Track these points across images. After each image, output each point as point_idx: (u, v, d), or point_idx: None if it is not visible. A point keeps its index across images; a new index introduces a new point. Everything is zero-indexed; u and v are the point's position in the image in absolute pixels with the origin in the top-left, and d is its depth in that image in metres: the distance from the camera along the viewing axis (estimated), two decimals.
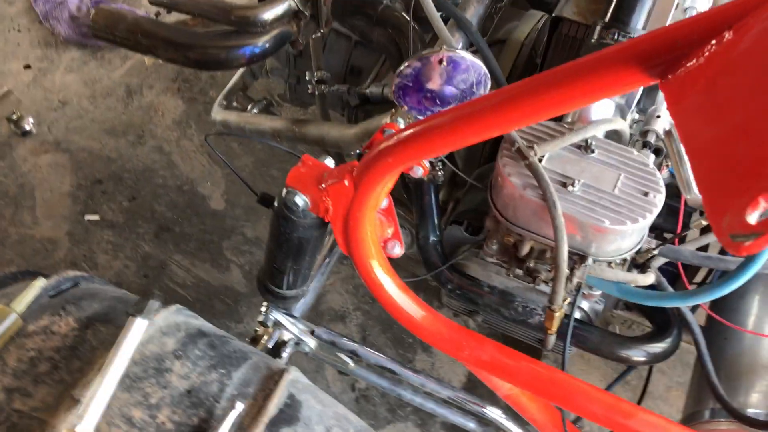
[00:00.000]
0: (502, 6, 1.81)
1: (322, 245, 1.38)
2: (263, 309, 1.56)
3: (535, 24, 1.71)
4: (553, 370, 1.21)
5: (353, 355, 1.56)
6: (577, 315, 1.53)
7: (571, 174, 1.12)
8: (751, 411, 1.32)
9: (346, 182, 1.07)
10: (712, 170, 0.61)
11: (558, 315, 1.21)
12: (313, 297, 1.68)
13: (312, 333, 1.56)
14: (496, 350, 1.21)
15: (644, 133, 1.22)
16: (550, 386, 1.19)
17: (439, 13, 1.32)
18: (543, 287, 1.39)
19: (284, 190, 1.13)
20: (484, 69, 1.09)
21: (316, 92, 1.76)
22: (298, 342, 1.59)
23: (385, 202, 1.25)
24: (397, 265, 1.21)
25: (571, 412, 1.29)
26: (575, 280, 1.19)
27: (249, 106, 2.04)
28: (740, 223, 0.52)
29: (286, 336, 1.58)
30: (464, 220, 1.54)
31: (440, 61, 1.06)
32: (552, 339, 1.30)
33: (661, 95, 1.28)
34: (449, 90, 1.09)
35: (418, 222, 1.52)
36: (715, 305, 1.54)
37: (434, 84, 1.08)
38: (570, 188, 1.11)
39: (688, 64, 0.73)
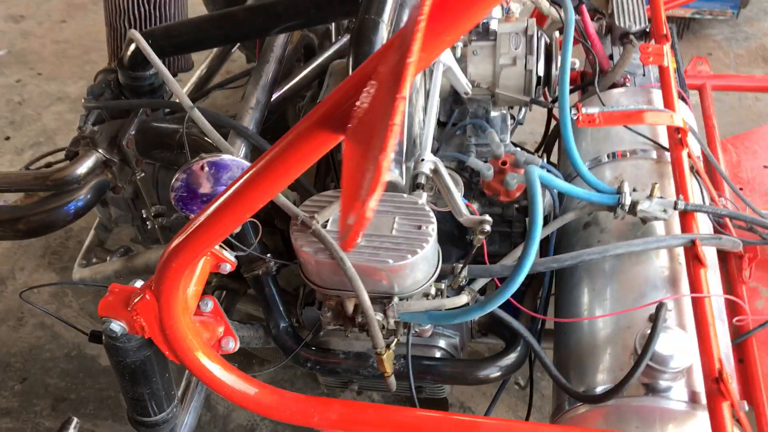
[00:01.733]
0: None
1: (165, 362, 1.43)
2: None
3: None
4: (399, 410, 1.30)
5: None
6: (438, 354, 1.63)
7: None
8: (599, 388, 1.42)
9: (147, 296, 1.16)
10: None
11: (386, 357, 1.30)
12: (195, 417, 1.71)
13: None
14: (342, 407, 1.29)
15: (415, 177, 1.36)
16: (400, 426, 1.27)
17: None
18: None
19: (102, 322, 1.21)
20: (245, 162, 1.22)
21: (157, 226, 1.86)
22: None
23: (210, 304, 1.35)
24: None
25: None
26: (391, 321, 1.29)
27: (108, 258, 2.12)
28: (344, 225, 0.64)
29: None
30: (314, 300, 1.64)
31: (202, 168, 1.19)
32: (392, 381, 1.38)
33: (424, 142, 1.43)
34: (222, 189, 1.21)
35: (266, 315, 1.61)
36: (557, 308, 1.67)
37: (205, 188, 1.20)
38: None
39: (354, 115, 0.86)
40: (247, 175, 0.99)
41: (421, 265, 1.25)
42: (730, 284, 1.97)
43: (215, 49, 2.17)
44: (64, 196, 1.65)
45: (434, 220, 1.26)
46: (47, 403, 2.33)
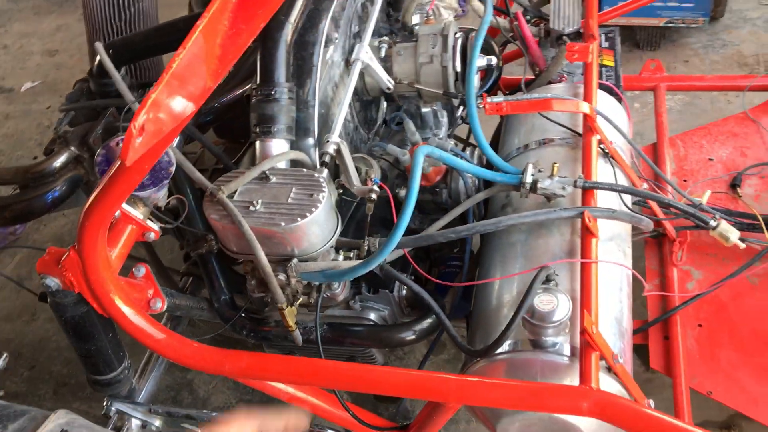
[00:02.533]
0: None
1: (108, 322, 1.62)
2: (105, 403, 1.79)
3: None
4: (302, 360, 1.46)
5: (189, 418, 1.78)
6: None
7: (254, 198, 1.43)
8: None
9: (71, 253, 1.36)
10: None
11: (287, 312, 1.47)
12: (154, 384, 1.90)
13: (150, 411, 1.78)
14: (250, 357, 1.46)
15: (321, 155, 1.54)
16: (301, 372, 1.44)
17: None
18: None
19: None
20: None
21: None
22: (144, 425, 1.80)
23: (142, 270, 1.55)
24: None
25: (326, 387, 1.52)
26: (292, 280, 1.46)
27: None
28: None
29: (134, 423, 1.80)
30: None
31: (117, 144, 1.40)
32: (297, 335, 1.54)
33: (333, 127, 1.60)
34: None
35: (209, 289, 1.80)
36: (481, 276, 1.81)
37: None
38: (252, 208, 1.41)
39: None
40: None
41: (313, 228, 1.42)
42: (663, 267, 2.07)
43: None
44: (41, 187, 1.88)
45: (325, 189, 1.43)
46: (50, 387, 2.57)
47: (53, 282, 1.41)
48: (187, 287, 2.10)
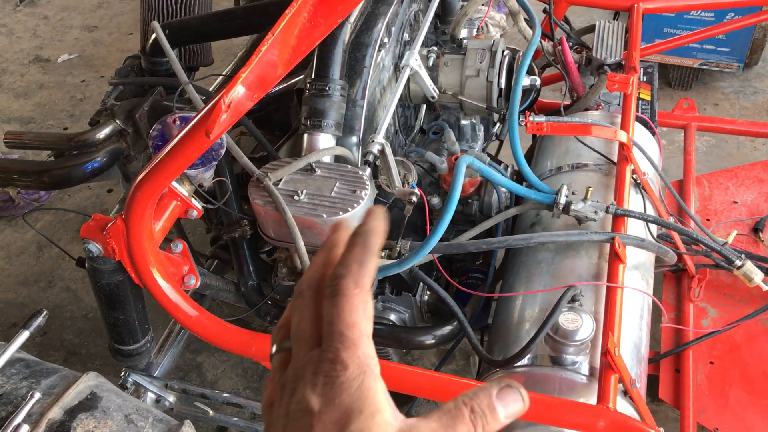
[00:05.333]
0: None
1: (139, 294, 1.65)
2: (123, 373, 1.82)
3: None
4: None
5: (203, 397, 1.81)
6: None
7: (299, 188, 1.47)
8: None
9: (117, 221, 1.40)
10: None
11: None
12: (172, 359, 1.93)
13: (166, 386, 1.81)
14: None
15: (365, 154, 1.58)
16: None
17: None
18: None
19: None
20: None
21: None
22: (159, 399, 1.83)
23: (180, 246, 1.58)
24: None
25: None
26: None
27: None
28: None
29: (149, 396, 1.84)
30: None
31: (174, 121, 1.44)
32: None
33: (379, 128, 1.64)
34: None
35: (238, 273, 1.83)
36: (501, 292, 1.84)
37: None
38: (296, 198, 1.45)
39: None
40: (190, 124, 1.22)
41: (353, 223, 1.45)
42: (680, 301, 2.10)
43: (246, 44, 2.42)
44: (82, 156, 1.92)
45: (368, 186, 1.47)
46: (60, 355, 2.60)
47: (95, 247, 1.44)
48: (212, 270, 2.13)
